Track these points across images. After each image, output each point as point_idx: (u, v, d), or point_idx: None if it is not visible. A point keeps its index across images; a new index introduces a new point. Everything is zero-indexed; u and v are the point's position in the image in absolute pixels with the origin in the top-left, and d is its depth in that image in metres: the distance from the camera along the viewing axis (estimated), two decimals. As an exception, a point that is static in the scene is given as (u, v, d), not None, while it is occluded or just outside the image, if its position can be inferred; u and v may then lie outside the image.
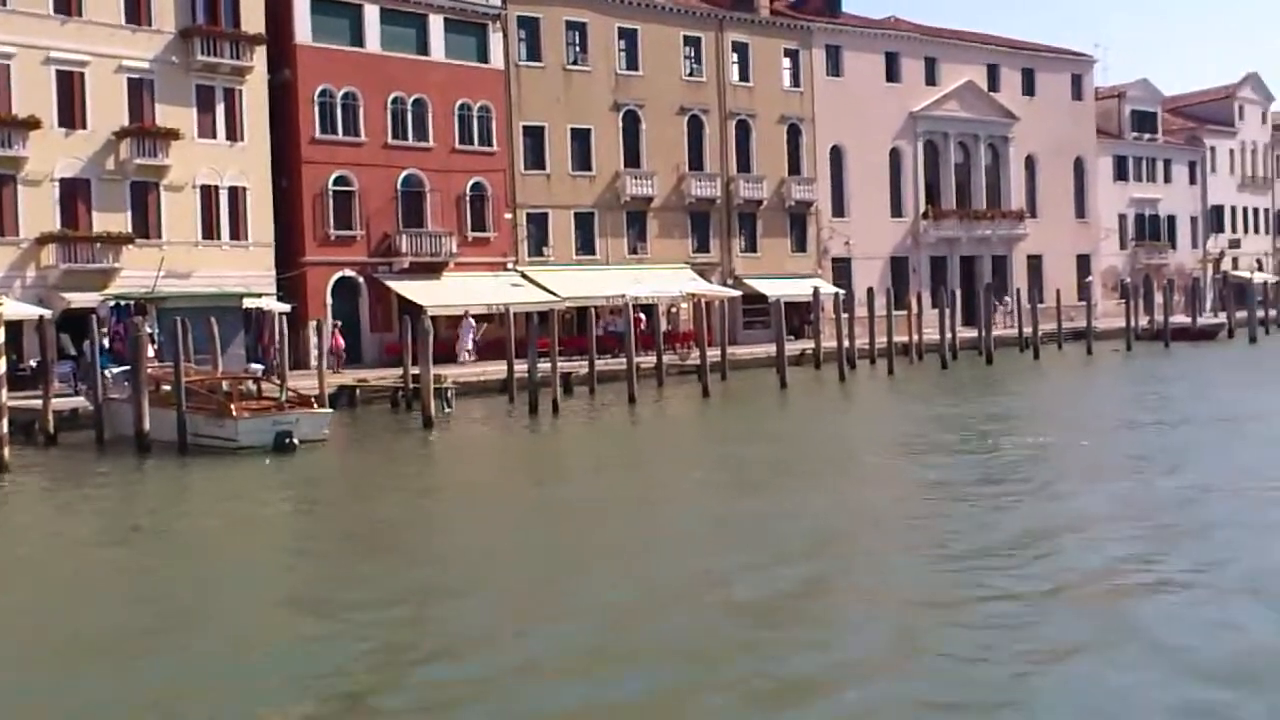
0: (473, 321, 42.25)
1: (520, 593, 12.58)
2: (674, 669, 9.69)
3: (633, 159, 49.56)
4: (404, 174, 43.76)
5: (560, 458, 25.65)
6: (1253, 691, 8.59)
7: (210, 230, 39.59)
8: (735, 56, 53.03)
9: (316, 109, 41.90)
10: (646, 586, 12.34)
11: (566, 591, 12.41)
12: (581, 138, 48.41)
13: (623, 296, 40.44)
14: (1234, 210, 77.60)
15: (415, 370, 31.25)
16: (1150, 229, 71.81)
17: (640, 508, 17.57)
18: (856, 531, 15.21)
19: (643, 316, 42.17)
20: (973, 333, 48.90)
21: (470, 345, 41.90)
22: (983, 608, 11.07)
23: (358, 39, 43.09)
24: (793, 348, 43.32)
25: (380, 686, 9.60)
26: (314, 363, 34.20)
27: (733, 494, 18.54)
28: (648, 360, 38.46)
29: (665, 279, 47.31)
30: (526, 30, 47.27)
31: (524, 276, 45.83)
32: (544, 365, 32.23)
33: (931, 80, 59.98)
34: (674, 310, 47.95)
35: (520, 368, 33.51)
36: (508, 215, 46.33)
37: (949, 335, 46.04)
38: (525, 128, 47.03)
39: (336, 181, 42.28)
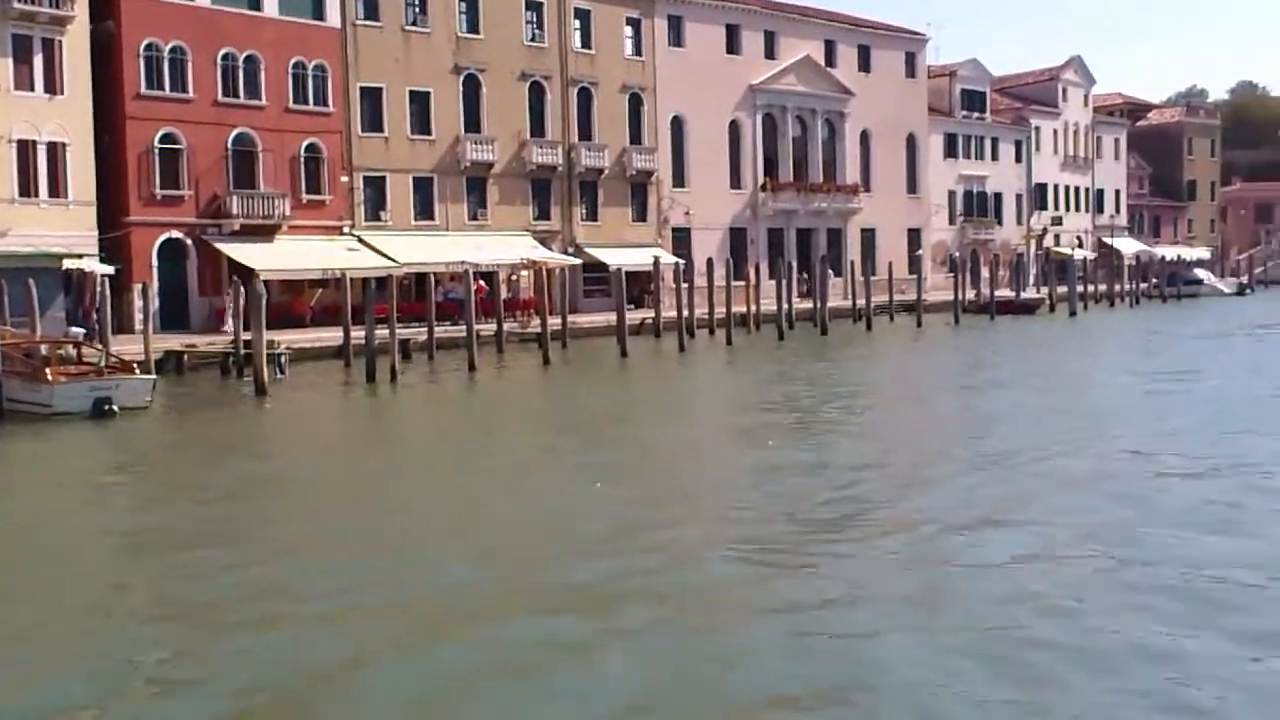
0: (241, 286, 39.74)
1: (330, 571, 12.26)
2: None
3: (473, 124, 48.90)
4: (235, 133, 42.31)
5: (395, 424, 25.26)
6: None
7: (28, 187, 37.68)
8: (577, 23, 52.73)
9: (142, 63, 40.14)
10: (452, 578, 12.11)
11: (385, 556, 12.23)
12: (421, 100, 47.53)
13: (463, 263, 40.00)
14: (1057, 189, 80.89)
15: (247, 335, 30.33)
16: (978, 205, 74.31)
17: (467, 478, 17.37)
18: (693, 496, 15.36)
19: (483, 283, 41.74)
20: (809, 304, 49.89)
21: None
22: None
23: (186, -9, 41.41)
24: (633, 317, 43.46)
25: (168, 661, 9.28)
26: (138, 327, 32.89)
27: (554, 463, 18.50)
28: (488, 328, 38.16)
29: (506, 246, 46.97)
30: (363, -13, 46.13)
31: (361, 241, 44.87)
32: (382, 332, 31.65)
33: (771, 54, 60.73)
34: (515, 278, 47.61)
35: (357, 334, 32.84)
36: (344, 178, 45.26)
37: (786, 306, 46.88)
38: (363, 89, 45.96)
39: (163, 139, 40.64)
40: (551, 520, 13.81)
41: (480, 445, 20.68)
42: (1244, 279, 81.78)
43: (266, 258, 40.88)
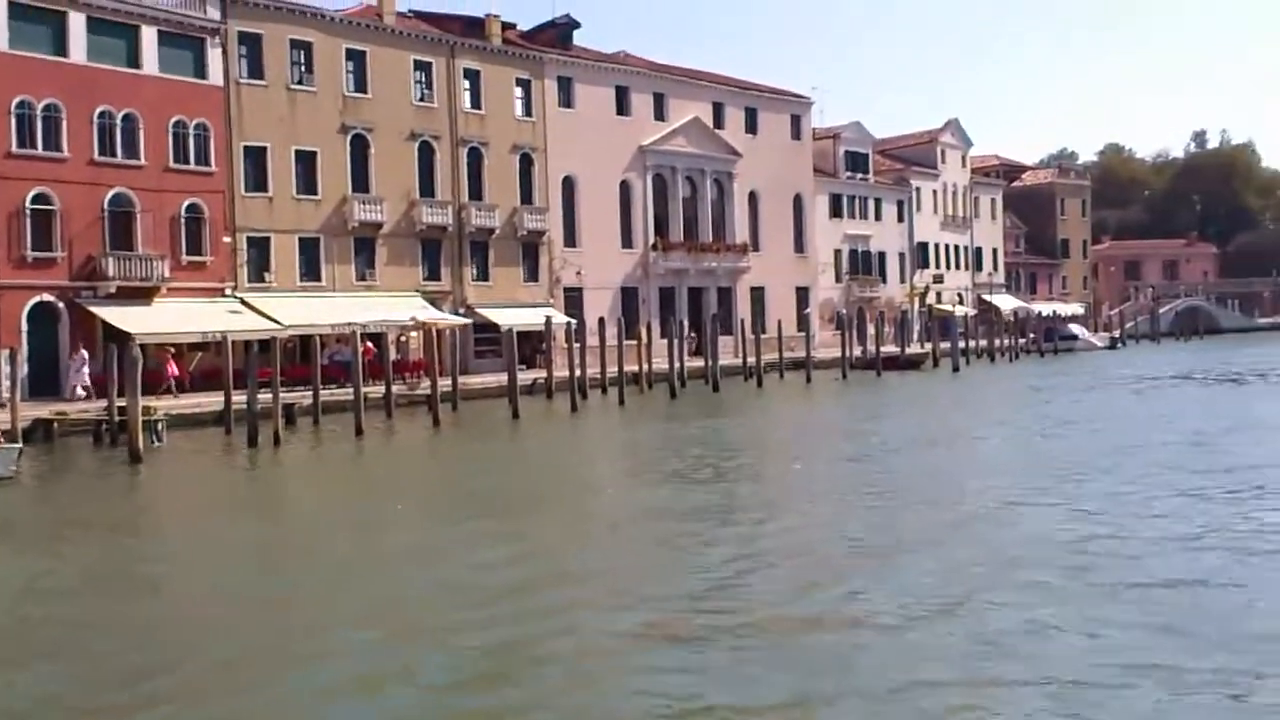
0: (85, 354, 38.40)
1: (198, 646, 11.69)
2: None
3: (361, 183, 48.32)
4: (112, 193, 41.11)
5: (273, 493, 24.42)
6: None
7: (-112, 248, 36.07)
8: (467, 84, 52.65)
9: (13, 120, 38.85)
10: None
11: (243, 630, 11.66)
12: (307, 160, 46.84)
13: (350, 324, 39.26)
14: (938, 247, 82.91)
15: (121, 402, 29.25)
16: (863, 264, 75.71)
17: (345, 547, 16.78)
18: (570, 565, 15.03)
19: (371, 345, 41.02)
20: (700, 362, 50.07)
21: (86, 382, 37.84)
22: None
23: (61, 48, 40.28)
24: (525, 377, 43.18)
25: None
26: (5, 394, 31.51)
27: (437, 529, 18.00)
28: (376, 390, 37.42)
29: (395, 307, 46.32)
30: (248, 47, 45.45)
31: (243, 303, 43.83)
32: (265, 396, 30.81)
33: (660, 115, 61.35)
34: (404, 339, 46.92)
35: (239, 399, 31.92)
36: (226, 239, 44.26)
37: (678, 364, 46.98)
38: (246, 148, 45.13)
39: (35, 199, 39.29)
40: (424, 595, 13.33)
41: (361, 515, 20.03)
42: (1115, 334, 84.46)
43: (144, 321, 39.64)
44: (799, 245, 69.93)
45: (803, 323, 63.05)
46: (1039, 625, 10.93)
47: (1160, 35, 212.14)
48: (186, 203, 43.02)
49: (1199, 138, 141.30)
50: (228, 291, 43.99)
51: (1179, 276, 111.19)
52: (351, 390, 33.82)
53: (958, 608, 11.72)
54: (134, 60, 42.12)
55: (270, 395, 30.89)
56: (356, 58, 48.78)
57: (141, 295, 41.10)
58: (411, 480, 25.42)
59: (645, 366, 47.95)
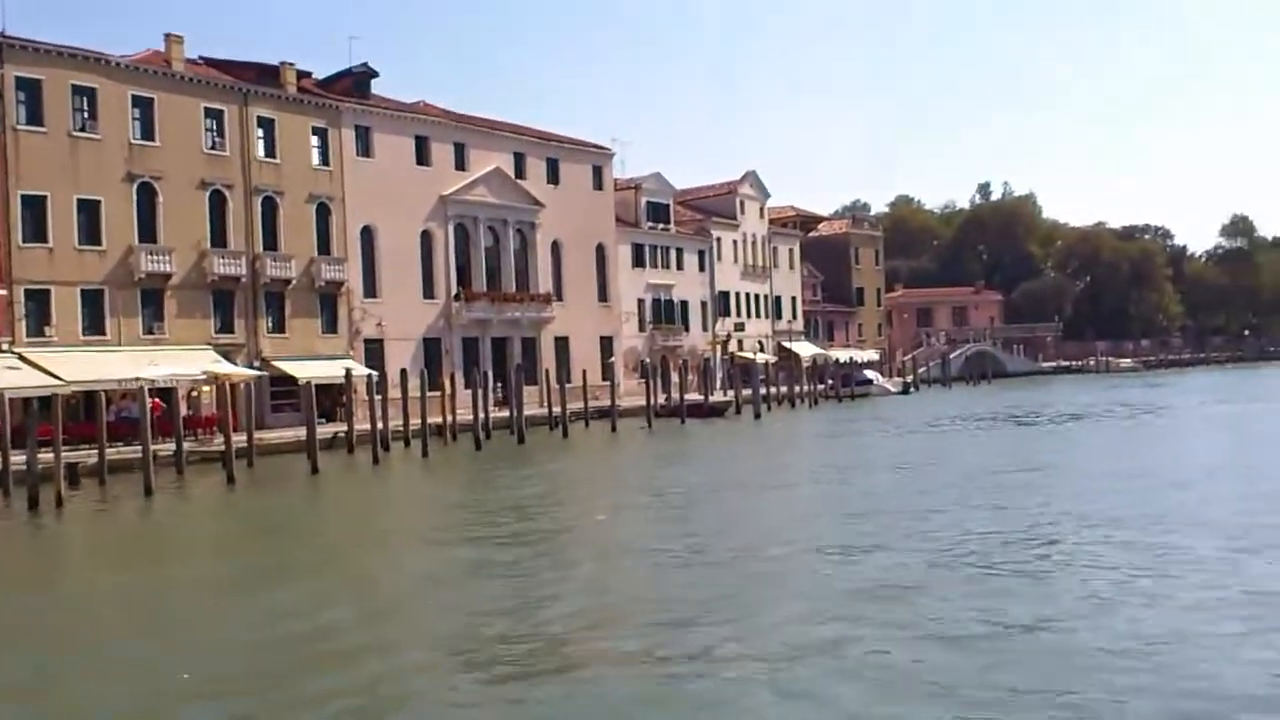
0: None
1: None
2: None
3: (148, 233, 46.56)
4: (-128, 243, 38.55)
5: (53, 559, 23.14)
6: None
7: None
8: (261, 132, 51.49)
9: None
10: None
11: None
12: (90, 209, 44.92)
13: (137, 380, 37.67)
14: (739, 296, 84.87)
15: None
16: (666, 313, 76.87)
17: (113, 618, 16.04)
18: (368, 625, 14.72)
19: (160, 401, 39.38)
20: (506, 412, 49.82)
21: None
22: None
23: None
24: (325, 431, 42.19)
25: None
26: None
27: (222, 599, 17.39)
28: (167, 448, 35.93)
29: (185, 361, 44.59)
30: (27, 92, 43.48)
31: (21, 359, 41.54)
32: (46, 455, 29.23)
33: (461, 165, 61.20)
34: (195, 394, 45.21)
35: (17, 459, 30.20)
36: (2, 291, 41.95)
37: (483, 415, 46.63)
38: (24, 197, 43.01)
39: None
40: (204, 667, 12.83)
41: (145, 580, 19.16)
42: (909, 379, 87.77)
43: (-91, 379, 37.13)
44: (603, 295, 70.56)
45: (607, 372, 63.52)
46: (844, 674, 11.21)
47: (939, 94, 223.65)
48: (-44, 254, 40.68)
49: (983, 189, 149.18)
50: (4, 347, 41.67)
51: (968, 322, 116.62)
52: (140, 448, 32.38)
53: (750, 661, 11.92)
54: (-103, 103, 39.77)
55: (52, 455, 29.31)
56: (143, 104, 47.15)
57: (-95, 352, 38.58)
58: (197, 543, 24.45)
59: (450, 418, 47.47)
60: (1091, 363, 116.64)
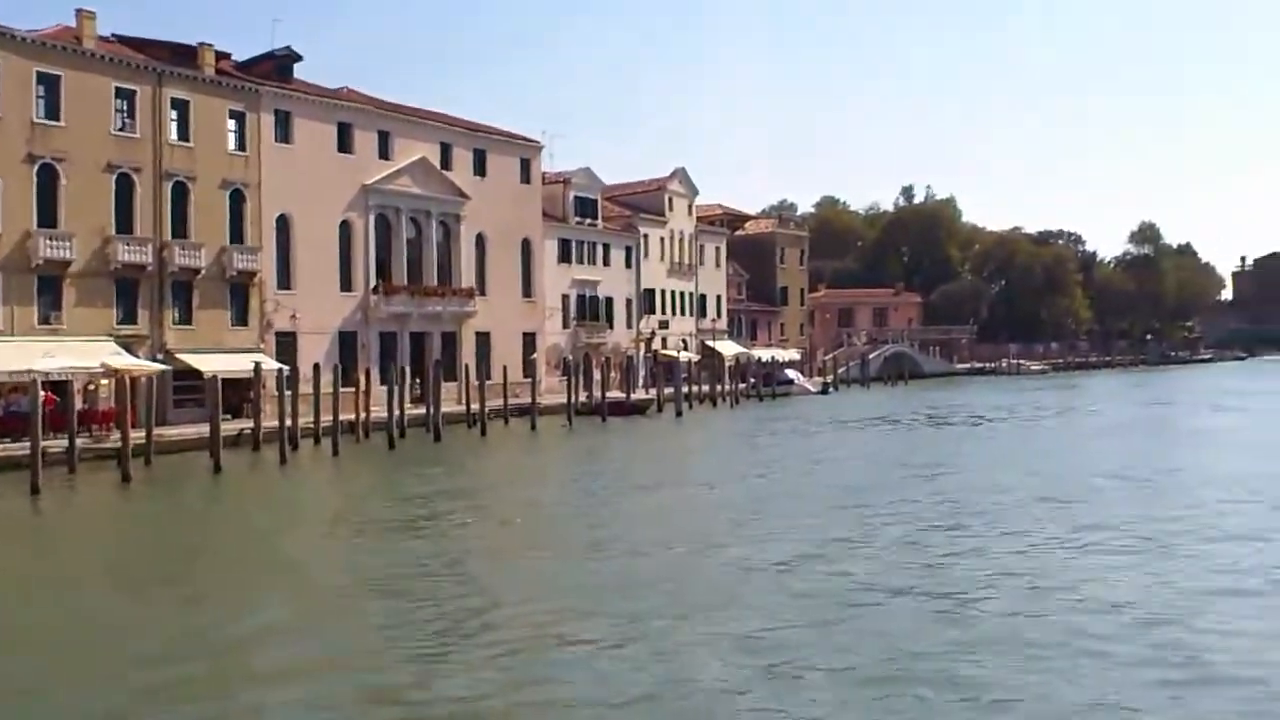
0: None
1: None
2: None
3: (48, 218, 44.42)
4: None
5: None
6: None
7: None
8: (175, 114, 49.52)
9: None
10: None
11: None
12: (-14, 191, 42.83)
13: (29, 372, 35.83)
14: (664, 294, 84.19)
15: None
16: (590, 309, 75.94)
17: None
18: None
19: (53, 395, 37.56)
20: (423, 410, 48.66)
21: None
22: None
23: None
24: (231, 427, 40.83)
25: None
26: None
27: (98, 604, 16.28)
28: (59, 444, 34.31)
29: (83, 353, 42.51)
30: (-79, 67, 41.32)
31: (-94, 347, 39.51)
32: (-78, 453, 27.64)
33: (385, 154, 59.65)
34: (92, 387, 43.27)
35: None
36: (-112, 274, 39.86)
37: (398, 413, 45.44)
38: (-86, 175, 40.90)
39: None
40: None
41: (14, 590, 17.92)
42: (829, 378, 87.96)
43: None
44: (527, 290, 69.41)
45: (529, 368, 62.45)
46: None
47: (869, 95, 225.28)
48: None
49: (907, 192, 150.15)
50: (-112, 334, 39.63)
51: (887, 324, 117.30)
52: (28, 444, 30.79)
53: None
54: None
55: (-72, 452, 27.72)
56: (49, 82, 45.02)
57: None
58: (80, 547, 23.11)
59: (364, 415, 46.20)
60: (1004, 365, 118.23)
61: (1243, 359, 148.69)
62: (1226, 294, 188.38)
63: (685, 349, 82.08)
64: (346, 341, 56.13)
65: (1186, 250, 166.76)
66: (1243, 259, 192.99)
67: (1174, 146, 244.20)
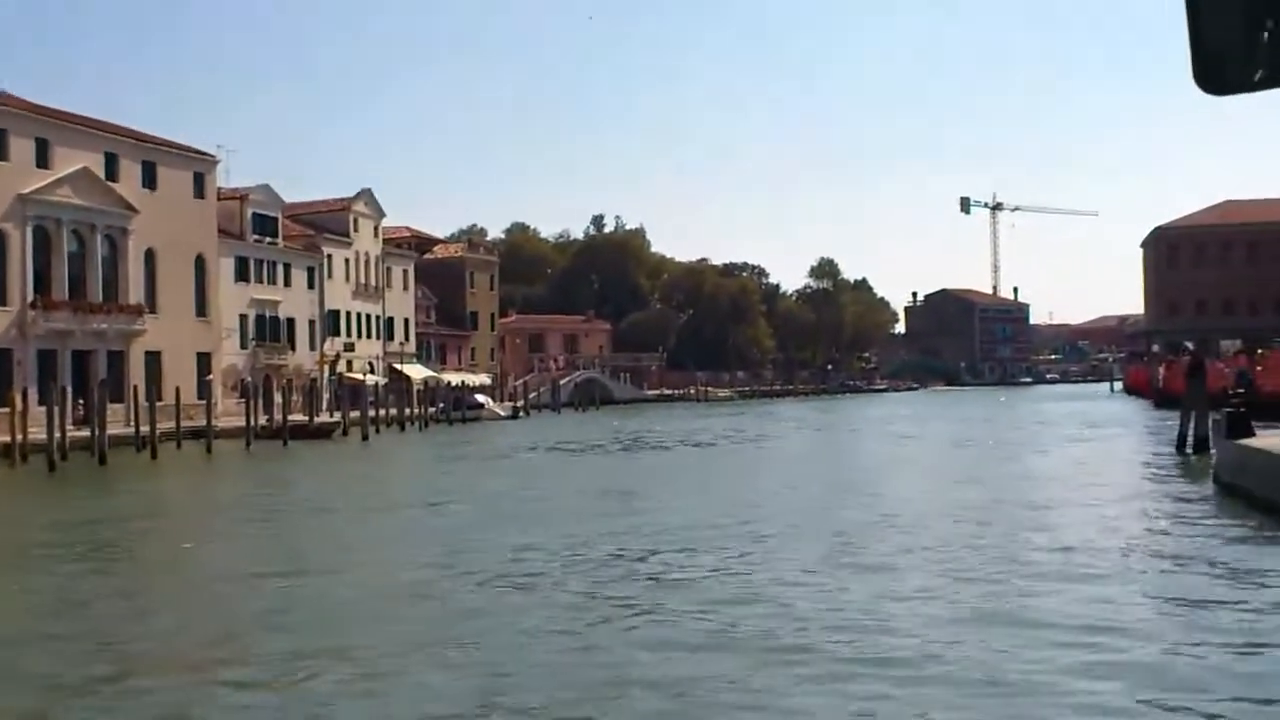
0: None
1: None
2: None
3: None
4: None
5: None
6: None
7: None
8: None
9: None
10: None
11: None
12: None
13: None
14: (349, 315, 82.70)
15: None
16: (271, 330, 73.67)
17: None
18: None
19: None
20: (87, 432, 45.88)
21: None
22: None
23: None
24: None
25: None
26: None
27: None
28: None
29: None
30: None
31: None
32: None
33: (44, 163, 55.98)
34: None
35: None
36: None
37: (59, 434, 42.67)
38: None
39: None
40: None
41: None
42: (519, 403, 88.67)
43: None
44: (201, 309, 66.54)
45: (204, 390, 59.92)
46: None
47: (553, 121, 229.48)
48: None
49: (597, 221, 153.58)
50: None
51: (578, 350, 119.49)
52: None
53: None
54: None
55: None
56: None
57: None
58: None
59: (20, 437, 43.11)
60: (692, 391, 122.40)
61: (914, 389, 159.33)
62: (900, 327, 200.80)
63: (372, 372, 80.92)
64: (1, 359, 52.15)
65: (862, 285, 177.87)
66: (914, 294, 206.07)
67: (848, 191, 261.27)
